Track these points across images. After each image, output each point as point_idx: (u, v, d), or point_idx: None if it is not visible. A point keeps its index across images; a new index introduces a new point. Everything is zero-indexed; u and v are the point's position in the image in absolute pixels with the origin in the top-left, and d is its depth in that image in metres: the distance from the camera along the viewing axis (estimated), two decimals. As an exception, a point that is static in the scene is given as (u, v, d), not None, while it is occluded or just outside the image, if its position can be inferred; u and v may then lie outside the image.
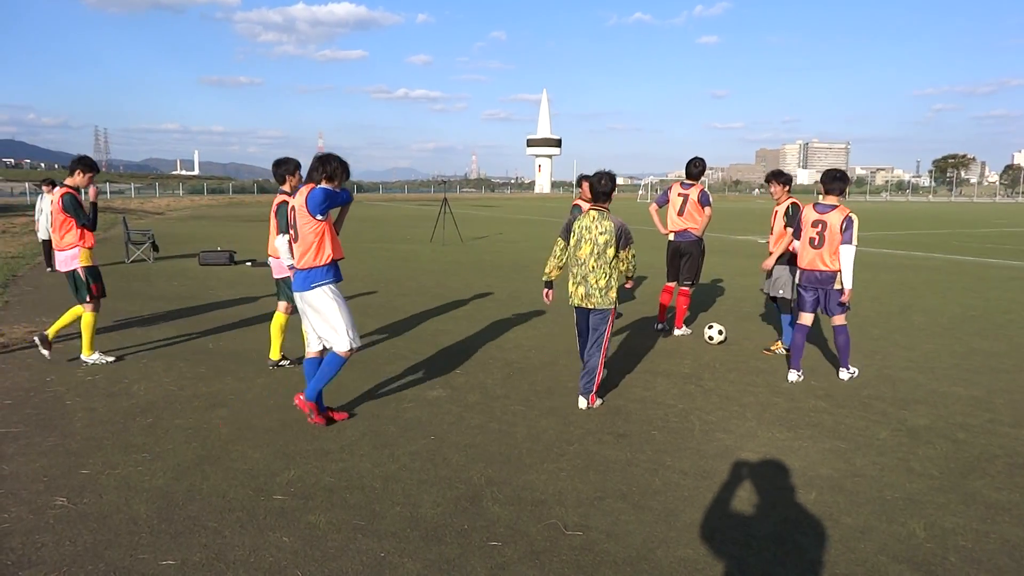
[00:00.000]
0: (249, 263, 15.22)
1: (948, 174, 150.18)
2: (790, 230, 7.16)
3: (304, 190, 5.14)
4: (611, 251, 5.73)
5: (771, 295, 7.74)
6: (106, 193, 59.91)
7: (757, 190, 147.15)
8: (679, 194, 8.42)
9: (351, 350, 5.25)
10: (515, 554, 3.57)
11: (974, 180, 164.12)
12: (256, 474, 4.46)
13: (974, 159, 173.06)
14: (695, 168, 8.46)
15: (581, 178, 9.52)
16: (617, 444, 5.06)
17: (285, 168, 6.54)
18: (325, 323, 5.22)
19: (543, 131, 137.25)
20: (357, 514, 3.95)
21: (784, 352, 7.71)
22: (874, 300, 11.26)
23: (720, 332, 8.09)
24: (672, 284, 8.67)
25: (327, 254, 5.17)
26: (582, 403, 5.88)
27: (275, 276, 7.05)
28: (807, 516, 4.03)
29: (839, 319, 6.68)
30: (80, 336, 7.13)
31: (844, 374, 6.84)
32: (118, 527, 3.78)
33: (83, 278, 6.97)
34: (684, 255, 8.41)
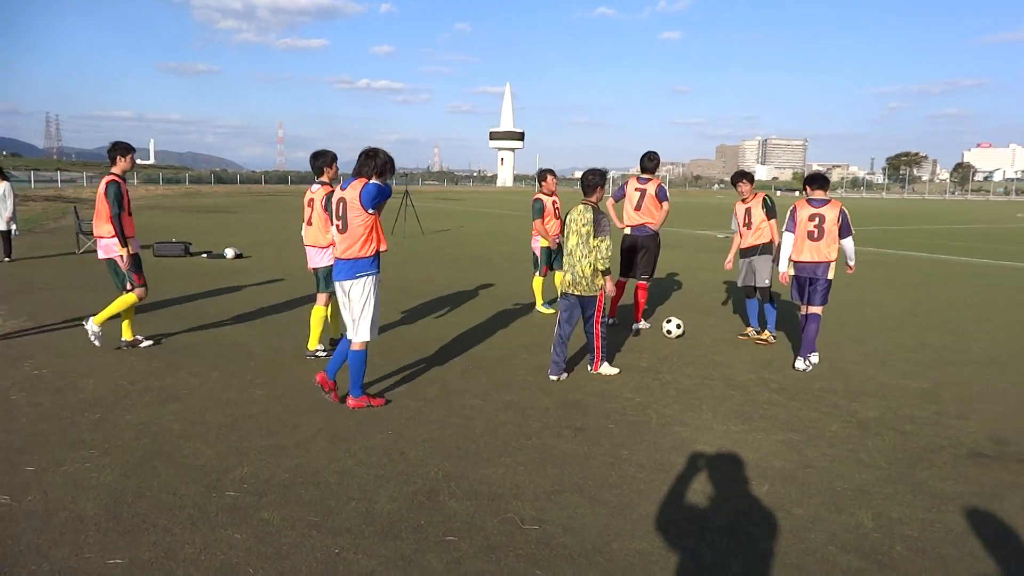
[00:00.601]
0: (205, 255, 14.94)
1: (901, 172, 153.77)
2: (774, 221, 8.04)
3: (358, 184, 5.35)
4: (593, 242, 6.28)
5: (756, 286, 8.22)
6: (57, 182, 58.37)
7: (717, 185, 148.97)
8: (636, 188, 8.48)
9: (365, 343, 5.50)
10: (471, 549, 3.56)
11: (926, 178, 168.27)
12: (208, 470, 4.38)
13: (926, 157, 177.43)
14: (649, 162, 8.55)
15: (543, 172, 9.54)
16: (575, 438, 5.09)
17: (323, 160, 6.92)
18: (350, 313, 5.49)
19: (506, 124, 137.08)
20: (312, 510, 3.91)
21: (755, 338, 8.28)
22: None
23: (678, 326, 8.17)
24: (624, 279, 8.73)
25: (373, 246, 5.44)
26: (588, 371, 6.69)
27: (312, 266, 7.13)
28: (760, 507, 4.09)
29: (818, 308, 7.12)
30: (105, 310, 7.03)
31: (800, 363, 7.03)
32: (63, 525, 3.68)
33: (124, 266, 7.06)
34: (641, 249, 8.48)
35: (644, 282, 8.57)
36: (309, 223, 7.00)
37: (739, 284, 8.44)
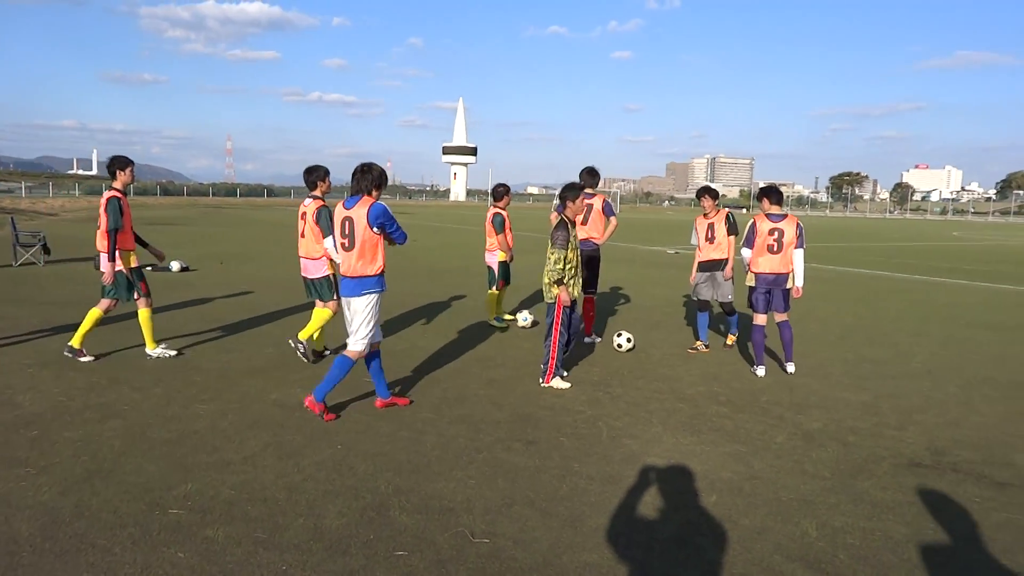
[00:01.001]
0: (149, 268, 14.56)
1: (844, 190, 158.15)
2: (733, 238, 8.34)
3: (365, 203, 5.51)
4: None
5: (720, 301, 8.59)
6: (-6, 192, 56.44)
7: (667, 202, 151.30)
8: (583, 204, 8.59)
9: (360, 353, 5.67)
10: (421, 563, 3.53)
11: (867, 197, 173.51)
12: (151, 488, 4.27)
13: (867, 177, 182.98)
14: (591, 178, 8.67)
15: (503, 187, 9.59)
16: (526, 451, 5.09)
17: (316, 175, 7.22)
18: (350, 324, 5.68)
19: (459, 139, 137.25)
20: (258, 527, 3.83)
21: (702, 351, 8.57)
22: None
23: (629, 340, 8.27)
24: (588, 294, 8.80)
25: (379, 265, 5.59)
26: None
27: (308, 276, 7.47)
28: (708, 518, 4.14)
29: (785, 316, 7.49)
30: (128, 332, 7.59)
31: (791, 367, 7.49)
32: (-4, 547, 3.54)
33: (130, 280, 7.23)
34: (589, 263, 8.58)
35: (591, 296, 8.67)
36: (303, 235, 7.31)
37: (695, 297, 8.67)
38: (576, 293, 6.80)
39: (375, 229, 5.47)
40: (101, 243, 7.07)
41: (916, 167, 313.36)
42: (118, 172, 7.14)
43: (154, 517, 3.90)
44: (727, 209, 8.62)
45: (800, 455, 5.20)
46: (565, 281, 6.62)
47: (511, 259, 9.76)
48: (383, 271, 5.64)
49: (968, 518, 4.26)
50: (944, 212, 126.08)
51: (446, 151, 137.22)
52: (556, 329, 6.68)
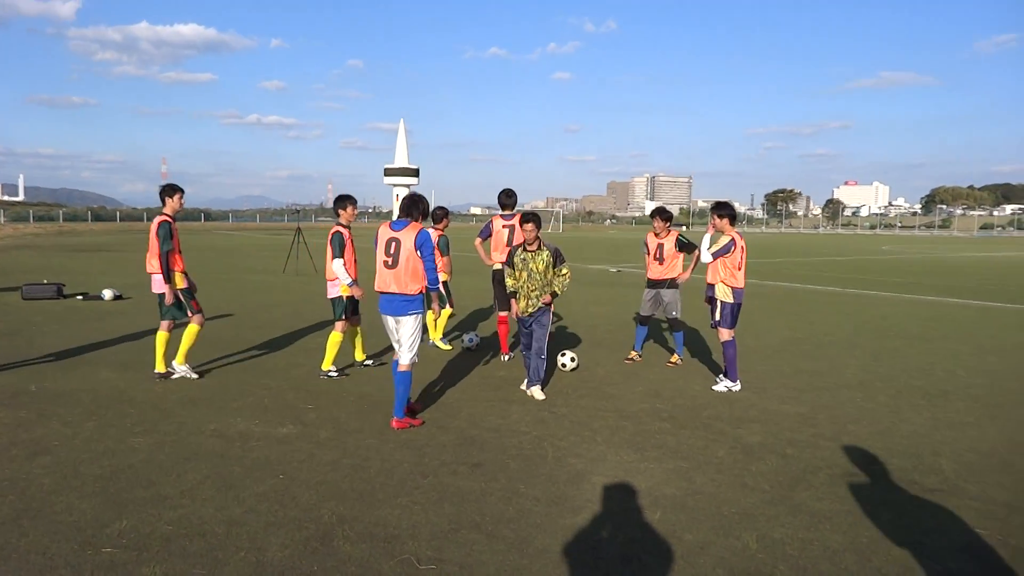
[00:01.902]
0: (80, 296, 14.12)
1: (778, 207, 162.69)
2: (684, 254, 8.64)
3: (413, 228, 6.09)
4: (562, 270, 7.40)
5: (667, 318, 8.83)
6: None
7: (609, 221, 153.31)
8: (503, 225, 8.76)
9: (411, 364, 6.20)
10: (366, 593, 3.48)
11: (801, 213, 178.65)
12: (83, 526, 4.12)
13: (800, 193, 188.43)
14: (508, 199, 8.82)
15: (439, 211, 9.58)
16: (471, 474, 5.08)
17: (348, 202, 7.91)
18: (399, 341, 6.24)
19: (401, 160, 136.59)
20: (197, 563, 3.73)
21: (636, 359, 8.99)
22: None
23: (572, 359, 8.34)
24: (505, 314, 8.86)
25: (420, 284, 6.14)
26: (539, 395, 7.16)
27: (331, 296, 7.98)
28: (652, 535, 4.19)
29: (725, 333, 7.64)
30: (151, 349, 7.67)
31: (721, 385, 7.66)
32: (-85, 596, 3.37)
33: (180, 299, 7.53)
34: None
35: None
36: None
37: (642, 312, 8.88)
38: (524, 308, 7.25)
39: (419, 253, 6.04)
40: (153, 265, 7.43)
41: (846, 183, 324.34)
42: (167, 199, 7.55)
43: (87, 557, 3.76)
44: (677, 230, 8.89)
45: (740, 469, 5.31)
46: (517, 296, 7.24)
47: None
48: (422, 291, 6.21)
49: (900, 524, 4.40)
50: (874, 227, 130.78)
51: (388, 172, 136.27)
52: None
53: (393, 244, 6.09)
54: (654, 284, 8.80)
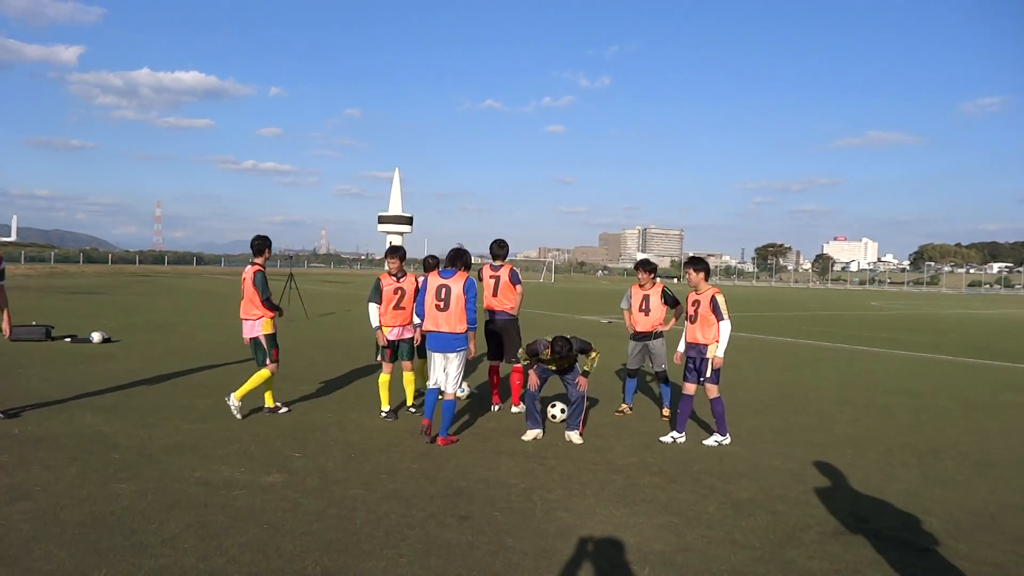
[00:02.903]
0: (68, 339, 14.02)
1: (768, 261, 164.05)
2: (677, 307, 8.55)
3: (461, 277, 7.16)
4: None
5: (655, 371, 8.85)
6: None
7: (601, 272, 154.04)
8: (491, 276, 8.80)
9: (454, 394, 7.23)
10: (349, 649, 3.41)
11: (791, 267, 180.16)
12: (62, 575, 4.03)
13: (790, 248, 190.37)
14: (500, 249, 8.93)
15: (431, 260, 9.60)
16: (459, 527, 5.02)
17: (399, 254, 8.41)
18: (447, 375, 7.17)
19: (395, 208, 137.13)
20: (176, 615, 3.65)
21: (627, 412, 8.97)
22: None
23: (563, 410, 8.30)
24: (496, 363, 8.88)
25: (465, 324, 7.06)
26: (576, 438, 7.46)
27: (396, 338, 8.39)
28: (641, 592, 4.13)
29: (712, 389, 7.60)
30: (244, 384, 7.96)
31: (711, 439, 7.60)
32: None
33: (264, 345, 8.01)
34: (504, 333, 8.73)
35: (519, 364, 8.73)
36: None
37: (629, 366, 8.87)
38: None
39: (465, 297, 6.99)
40: (247, 312, 8.02)
41: (835, 239, 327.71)
42: (266, 251, 8.22)
43: (63, 607, 3.67)
44: (663, 282, 8.93)
45: (731, 525, 5.26)
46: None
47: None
48: (467, 330, 7.08)
49: (891, 585, 4.35)
50: (863, 283, 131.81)
51: (382, 220, 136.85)
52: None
53: (443, 290, 7.08)
54: (641, 337, 8.81)
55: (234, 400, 7.85)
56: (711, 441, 7.56)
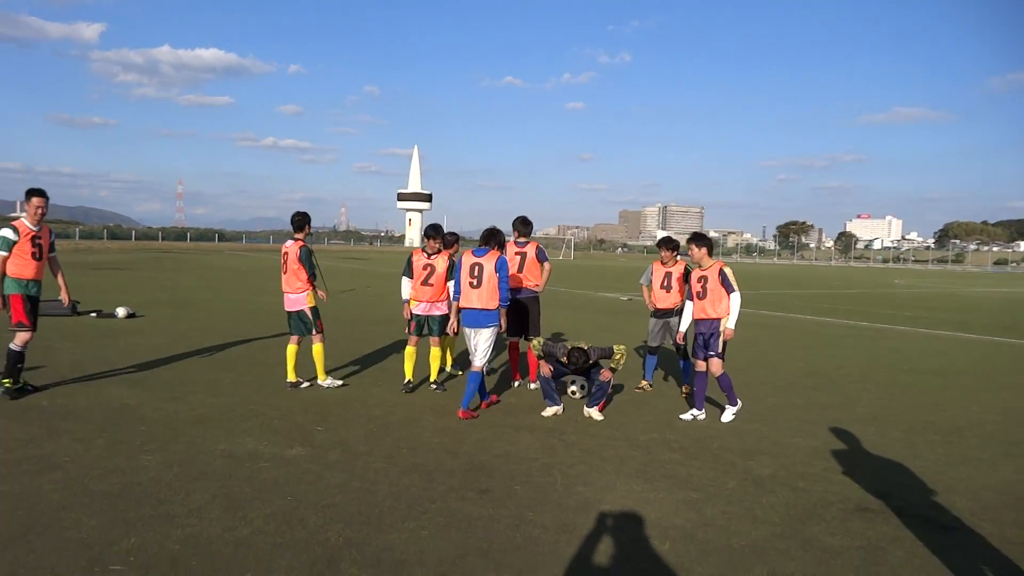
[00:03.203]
0: (94, 314, 14.22)
1: (790, 239, 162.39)
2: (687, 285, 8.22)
3: (493, 255, 7.37)
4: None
5: (678, 345, 8.70)
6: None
7: (620, 249, 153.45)
8: (516, 253, 8.77)
9: (482, 367, 7.47)
10: (372, 618, 3.46)
11: (813, 245, 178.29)
12: (91, 543, 4.11)
13: (812, 226, 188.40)
14: (524, 227, 8.90)
15: (451, 236, 9.58)
16: (480, 500, 5.05)
17: (442, 236, 8.43)
18: (476, 348, 7.43)
19: (414, 186, 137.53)
20: (203, 583, 3.72)
21: (647, 389, 9.04)
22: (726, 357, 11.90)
23: (582, 387, 8.31)
24: (516, 339, 8.89)
25: (496, 302, 7.30)
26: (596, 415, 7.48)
27: (426, 315, 8.49)
28: (661, 567, 4.15)
29: (721, 365, 7.58)
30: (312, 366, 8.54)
31: (728, 414, 7.62)
32: (-78, 609, 3.37)
33: (310, 316, 8.39)
34: (525, 310, 8.74)
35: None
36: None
37: (650, 343, 8.87)
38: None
39: (497, 275, 7.23)
40: (291, 286, 8.36)
41: (859, 217, 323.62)
42: (306, 226, 8.45)
43: (94, 574, 3.76)
44: (684, 260, 8.85)
45: (751, 501, 5.25)
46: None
47: None
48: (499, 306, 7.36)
49: (916, 563, 4.34)
50: (886, 260, 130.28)
51: (401, 197, 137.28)
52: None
53: (476, 268, 7.30)
54: (661, 314, 8.79)
55: (322, 382, 8.43)
56: (728, 416, 7.56)
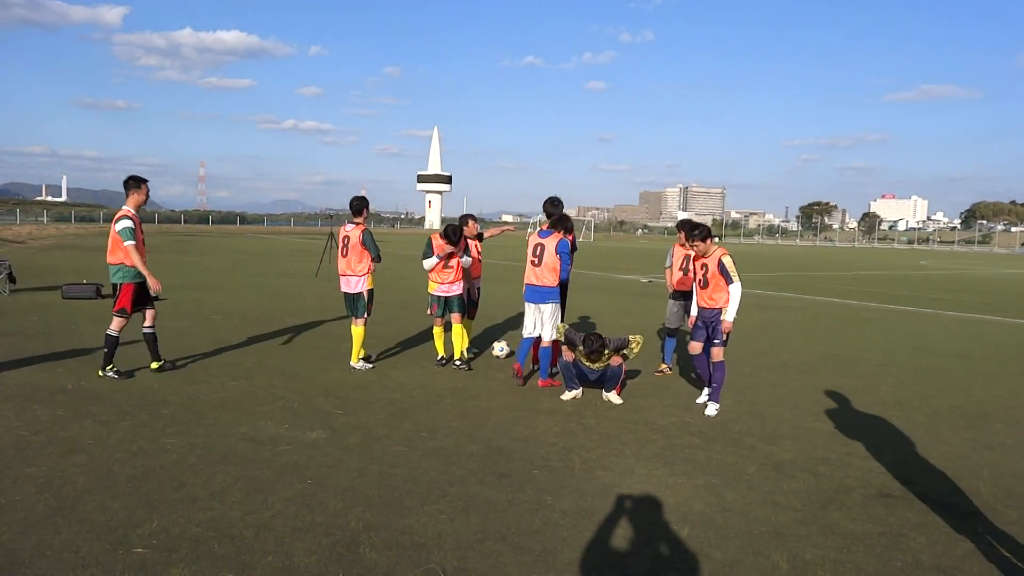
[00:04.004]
0: (118, 297, 14.35)
1: (813, 220, 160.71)
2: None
3: (555, 237, 7.88)
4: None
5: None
6: (-41, 219, 55.48)
7: (640, 230, 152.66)
8: (536, 244, 8.70)
9: (551, 341, 7.93)
10: (391, 602, 3.49)
11: (836, 226, 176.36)
12: (115, 526, 4.18)
13: (836, 206, 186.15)
14: (553, 208, 8.66)
15: (465, 217, 9.53)
16: (498, 484, 5.06)
17: (452, 240, 8.70)
18: (542, 324, 7.94)
19: (434, 167, 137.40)
20: (225, 566, 3.76)
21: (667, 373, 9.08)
22: (746, 339, 11.83)
23: (501, 349, 9.35)
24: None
25: (556, 278, 7.84)
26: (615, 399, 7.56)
27: (445, 295, 8.94)
28: (680, 552, 4.14)
29: (722, 353, 7.35)
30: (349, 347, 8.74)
31: (711, 408, 7.23)
32: (-49, 590, 3.44)
33: (365, 299, 8.57)
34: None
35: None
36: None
37: (668, 325, 8.82)
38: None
39: (557, 255, 7.76)
40: (355, 268, 8.49)
41: (883, 197, 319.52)
42: (364, 210, 8.59)
43: (118, 557, 3.81)
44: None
45: (771, 486, 5.22)
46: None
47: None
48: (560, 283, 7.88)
49: (936, 549, 4.29)
50: (911, 242, 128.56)
51: (421, 179, 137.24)
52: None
53: (539, 248, 7.87)
54: (680, 295, 8.72)
55: (355, 364, 8.62)
56: (711, 410, 7.18)
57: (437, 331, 9.10)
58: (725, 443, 6.21)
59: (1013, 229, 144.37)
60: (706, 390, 7.54)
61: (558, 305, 7.96)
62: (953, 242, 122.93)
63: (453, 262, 8.83)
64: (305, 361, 8.99)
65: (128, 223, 7.60)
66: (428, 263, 8.81)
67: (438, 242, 8.82)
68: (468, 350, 9.61)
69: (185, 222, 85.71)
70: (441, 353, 9.06)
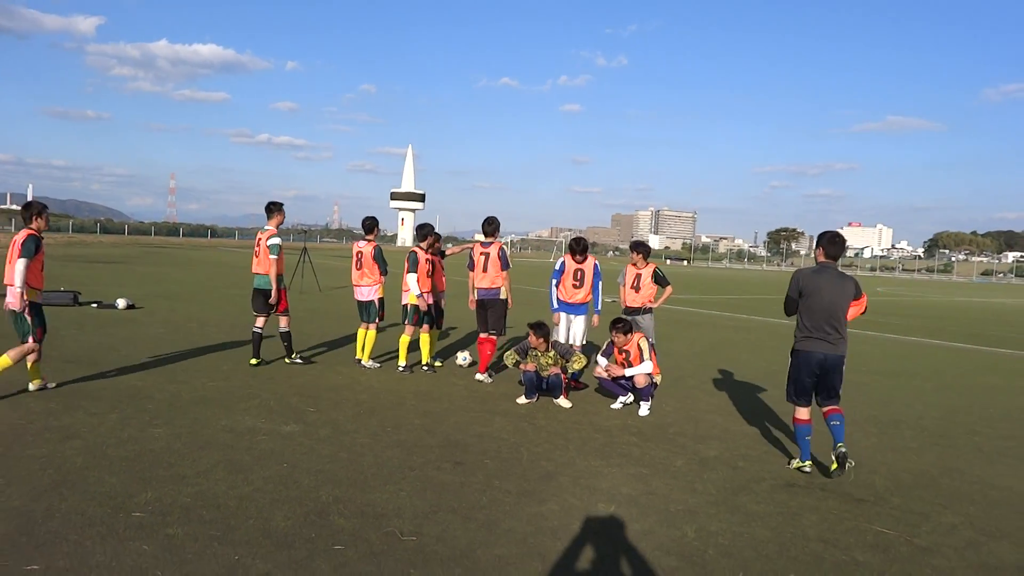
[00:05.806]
0: (95, 305, 14.81)
1: (781, 245, 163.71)
2: (669, 288, 9.53)
3: (591, 261, 9.33)
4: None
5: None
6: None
7: (612, 252, 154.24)
8: (480, 253, 9.61)
9: (578, 345, 9.14)
10: (356, 555, 4.14)
11: (803, 251, 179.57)
12: (114, 495, 4.77)
13: (803, 233, 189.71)
14: (489, 227, 9.77)
15: (428, 233, 10.20)
16: (453, 470, 5.73)
17: (427, 230, 9.93)
18: (575, 332, 9.27)
19: (407, 185, 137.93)
20: (213, 527, 4.38)
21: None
22: (696, 355, 12.63)
23: (464, 359, 10.05)
24: (486, 335, 9.68)
25: (589, 297, 9.27)
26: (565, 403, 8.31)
27: (403, 303, 9.72)
28: (605, 523, 4.84)
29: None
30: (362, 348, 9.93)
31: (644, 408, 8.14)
32: (-22, 541, 4.01)
33: (377, 306, 9.75)
34: (489, 307, 9.64)
35: (493, 336, 9.65)
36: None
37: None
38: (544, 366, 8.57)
39: (594, 279, 9.15)
40: (367, 279, 9.74)
41: (849, 224, 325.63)
42: (375, 228, 9.95)
43: (119, 518, 4.42)
44: (655, 263, 9.64)
45: (694, 476, 5.95)
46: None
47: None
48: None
49: (824, 525, 5.04)
50: (873, 269, 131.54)
51: (394, 197, 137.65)
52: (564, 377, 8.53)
53: (579, 272, 9.23)
54: (631, 312, 9.46)
55: (367, 363, 9.76)
56: (644, 410, 8.03)
57: (404, 340, 9.66)
58: (660, 442, 6.94)
59: (973, 259, 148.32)
60: (621, 398, 8.33)
61: (588, 318, 9.38)
62: (915, 270, 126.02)
63: (433, 273, 9.85)
64: (280, 367, 9.58)
65: (278, 240, 9.25)
66: (413, 281, 9.47)
67: (423, 256, 9.61)
68: (433, 358, 10.28)
69: (155, 234, 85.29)
70: (402, 361, 9.69)
